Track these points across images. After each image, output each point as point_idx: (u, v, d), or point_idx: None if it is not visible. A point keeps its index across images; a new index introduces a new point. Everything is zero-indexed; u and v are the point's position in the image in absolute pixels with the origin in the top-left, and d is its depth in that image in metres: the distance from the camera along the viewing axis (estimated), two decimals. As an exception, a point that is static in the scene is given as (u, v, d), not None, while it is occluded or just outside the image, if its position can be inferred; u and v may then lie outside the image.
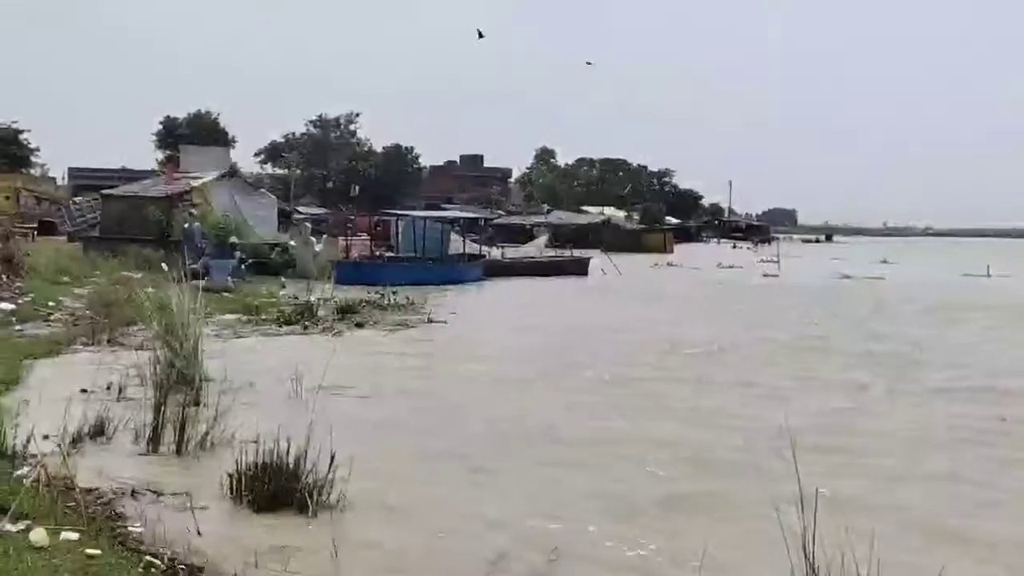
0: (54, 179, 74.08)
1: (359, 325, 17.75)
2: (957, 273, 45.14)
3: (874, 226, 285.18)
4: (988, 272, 44.05)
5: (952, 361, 15.14)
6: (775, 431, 8.43)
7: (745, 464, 8.01)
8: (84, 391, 9.60)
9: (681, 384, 12.33)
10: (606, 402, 10.90)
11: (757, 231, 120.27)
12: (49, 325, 15.12)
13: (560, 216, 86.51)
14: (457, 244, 38.46)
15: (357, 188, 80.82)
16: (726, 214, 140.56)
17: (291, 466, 6.58)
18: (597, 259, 42.14)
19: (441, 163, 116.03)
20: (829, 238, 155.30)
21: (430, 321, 18.73)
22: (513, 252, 44.50)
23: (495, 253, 43.40)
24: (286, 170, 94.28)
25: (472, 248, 40.03)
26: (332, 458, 6.52)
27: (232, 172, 36.72)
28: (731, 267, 47.85)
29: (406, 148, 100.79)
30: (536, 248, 45.00)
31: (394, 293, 21.47)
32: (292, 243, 31.06)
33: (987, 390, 12.33)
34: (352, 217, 50.92)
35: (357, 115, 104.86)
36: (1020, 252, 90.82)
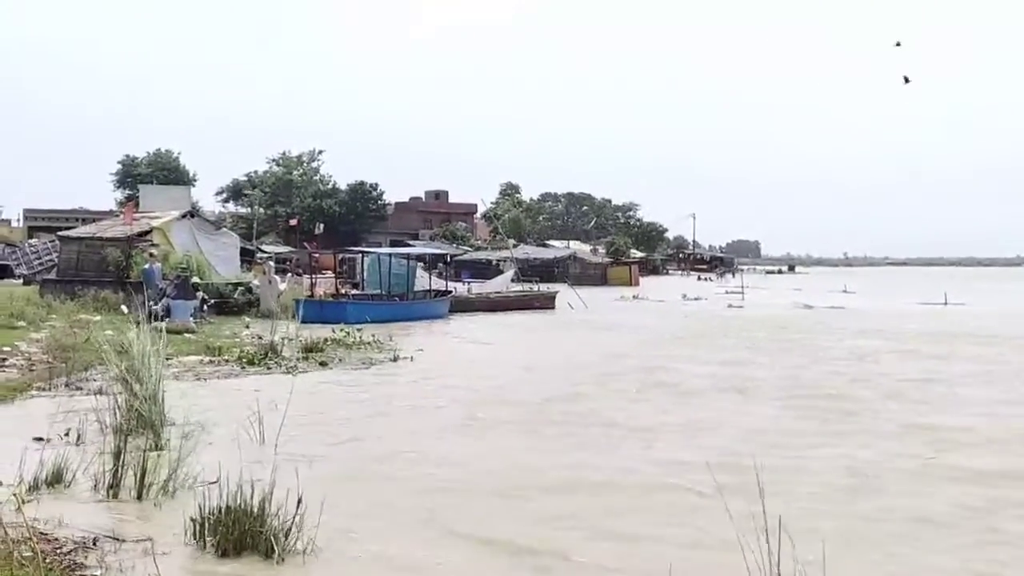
0: (8, 221, 73.19)
1: (323, 364, 17.57)
2: (915, 301, 45.72)
3: (834, 256, 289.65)
4: (945, 300, 44.63)
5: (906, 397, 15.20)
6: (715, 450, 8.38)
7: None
8: (39, 439, 9.36)
9: (666, 424, 12.25)
10: (577, 441, 10.80)
11: (721, 263, 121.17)
12: (4, 371, 14.80)
13: (526, 250, 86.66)
14: (423, 280, 38.37)
15: (321, 226, 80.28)
16: (690, 246, 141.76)
17: (256, 509, 6.45)
18: (564, 293, 42.21)
19: (406, 199, 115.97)
20: (791, 269, 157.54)
21: (396, 359, 18.57)
22: (480, 287, 44.40)
23: (461, 288, 43.31)
24: (249, 208, 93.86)
25: (438, 284, 39.96)
26: (299, 501, 6.40)
27: (193, 211, 36.43)
28: (696, 299, 48.18)
29: (370, 185, 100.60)
30: (503, 283, 44.80)
31: (359, 331, 21.32)
32: (255, 282, 30.80)
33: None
34: (317, 255, 50.69)
35: (320, 152, 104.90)
36: (973, 280, 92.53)
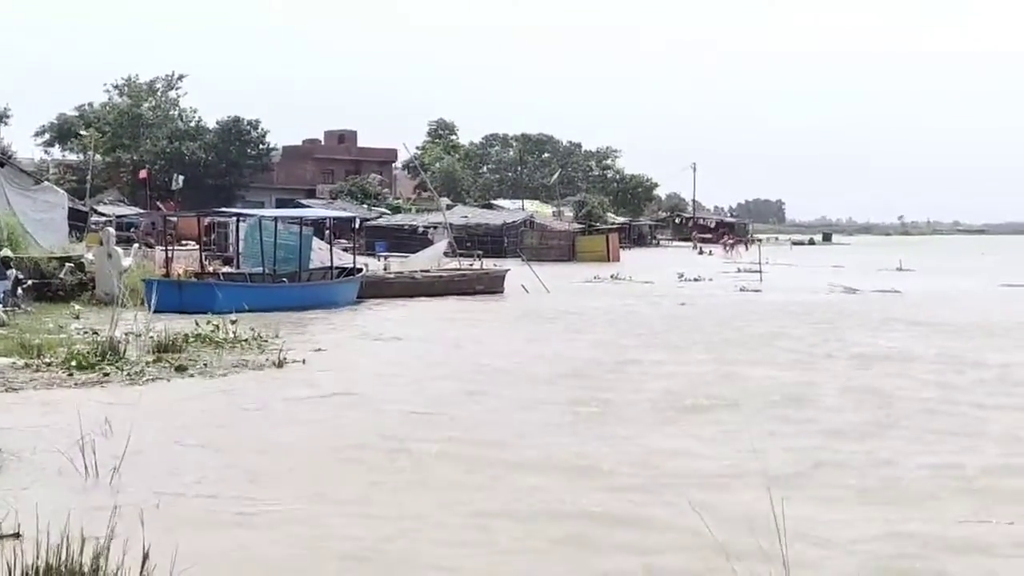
0: None
1: (182, 369, 17.51)
2: (996, 282, 46.52)
3: (886, 221, 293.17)
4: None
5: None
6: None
7: None
8: None
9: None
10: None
11: (731, 230, 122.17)
12: None
13: (465, 213, 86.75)
14: (323, 254, 38.21)
15: (181, 179, 79.69)
16: (689, 208, 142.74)
17: (87, 569, 6.45)
18: (517, 272, 42.27)
19: (299, 143, 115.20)
20: (827, 238, 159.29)
21: (282, 363, 18.54)
22: (401, 263, 44.32)
23: (376, 266, 43.18)
24: (81, 155, 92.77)
25: (344, 259, 39.82)
26: (145, 556, 6.42)
27: (2, 158, 35.99)
28: (697, 280, 48.54)
29: (249, 122, 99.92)
30: (432, 258, 44.69)
31: (234, 323, 21.26)
32: (89, 256, 30.53)
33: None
34: (175, 218, 50.29)
35: (180, 78, 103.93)
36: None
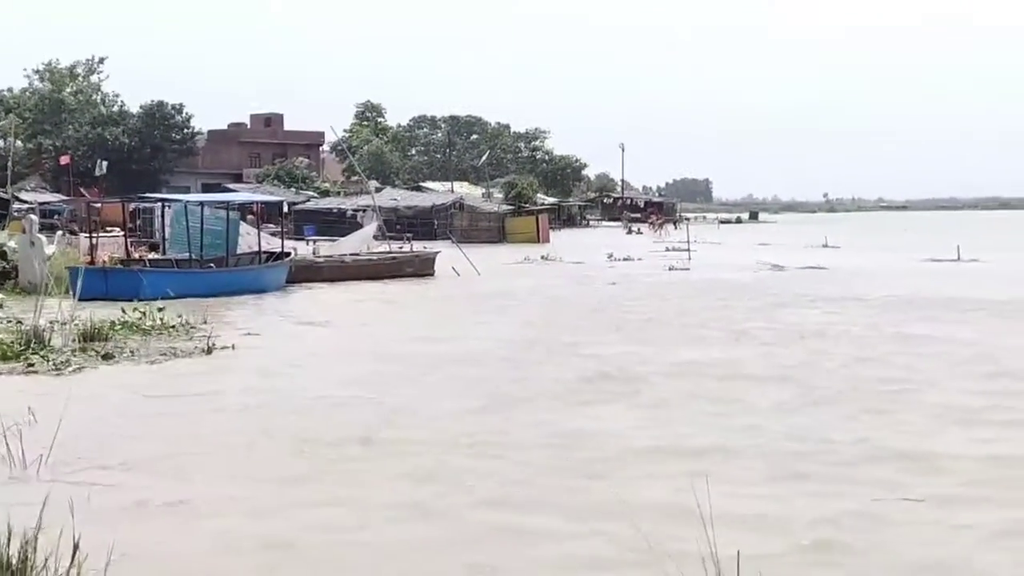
0: None
1: (108, 358, 17.33)
2: (919, 258, 47.19)
3: (811, 199, 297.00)
4: (959, 255, 46.18)
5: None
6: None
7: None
8: None
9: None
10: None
11: (659, 210, 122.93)
12: None
13: (394, 196, 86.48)
14: (250, 239, 37.99)
15: (105, 164, 78.82)
16: (618, 188, 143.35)
17: (16, 561, 6.38)
18: (447, 254, 42.27)
19: (224, 126, 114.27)
20: (754, 217, 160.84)
21: (211, 350, 18.42)
22: (330, 247, 44.14)
23: (305, 250, 43.01)
24: (1, 141, 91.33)
25: (272, 244, 39.61)
26: (75, 547, 6.36)
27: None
28: (627, 259, 48.80)
29: (173, 107, 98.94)
30: (361, 241, 44.54)
31: (161, 310, 21.04)
32: (11, 244, 30.13)
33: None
34: (99, 205, 49.71)
35: (101, 61, 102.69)
36: (991, 227, 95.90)
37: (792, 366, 16.96)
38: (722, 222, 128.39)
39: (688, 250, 52.62)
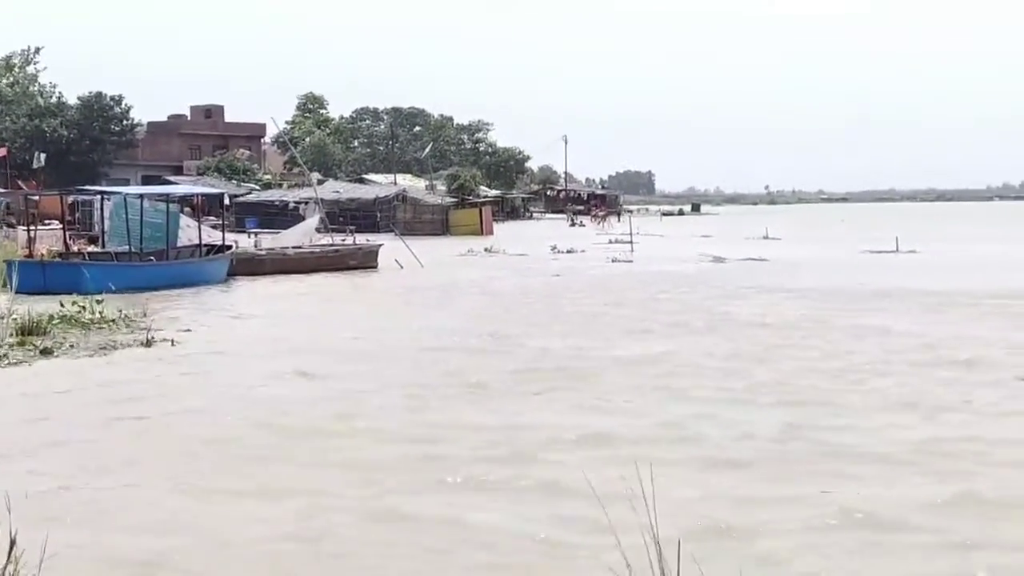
0: None
1: (47, 352, 17.17)
2: (858, 249, 47.70)
3: (753, 191, 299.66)
4: (897, 247, 46.72)
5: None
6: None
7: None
8: None
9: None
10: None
11: (602, 202, 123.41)
12: None
13: (337, 188, 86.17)
14: (191, 231, 37.75)
15: (43, 156, 77.89)
16: (561, 181, 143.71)
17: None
18: (390, 246, 42.21)
19: (164, 118, 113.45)
20: (696, 209, 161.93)
21: (151, 343, 18.30)
22: (272, 240, 43.93)
23: (246, 243, 42.76)
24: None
25: (213, 236, 39.38)
26: (12, 544, 6.29)
27: None
28: (570, 251, 48.94)
29: (112, 98, 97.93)
30: (304, 234, 44.39)
31: (100, 303, 20.90)
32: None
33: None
34: (36, 197, 49.14)
35: (37, 51, 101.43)
36: (928, 219, 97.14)
37: (730, 357, 17.05)
38: (665, 214, 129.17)
39: (631, 242, 52.84)
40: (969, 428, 11.83)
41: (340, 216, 65.96)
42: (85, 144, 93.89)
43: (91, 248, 35.58)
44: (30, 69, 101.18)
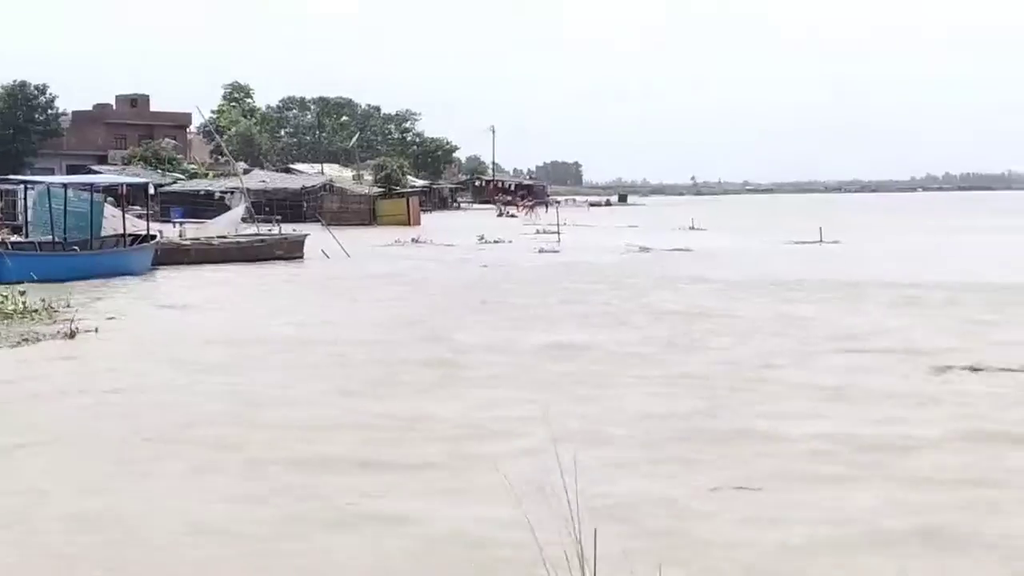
0: None
1: (-33, 343, 17.02)
2: (784, 240, 48.19)
3: (680, 182, 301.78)
4: (821, 237, 47.26)
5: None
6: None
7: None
8: None
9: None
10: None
11: (530, 192, 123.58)
12: None
13: (263, 178, 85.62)
14: (115, 221, 37.41)
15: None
16: (489, 171, 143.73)
17: None
18: (317, 236, 42.08)
19: (89, 107, 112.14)
20: (623, 199, 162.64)
21: (73, 334, 18.14)
22: (197, 229, 43.62)
23: (171, 232, 42.43)
24: None
25: (138, 226, 39.04)
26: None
27: None
28: (497, 242, 48.95)
29: (36, 87, 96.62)
30: (229, 224, 44.11)
31: (22, 293, 20.73)
32: None
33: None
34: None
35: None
36: (852, 210, 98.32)
37: (654, 345, 17.24)
38: (592, 205, 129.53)
39: (558, 233, 53.04)
40: (865, 415, 12.03)
41: (266, 206, 65.58)
42: (8, 133, 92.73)
43: (14, 238, 35.14)
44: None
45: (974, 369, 14.63)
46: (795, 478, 9.42)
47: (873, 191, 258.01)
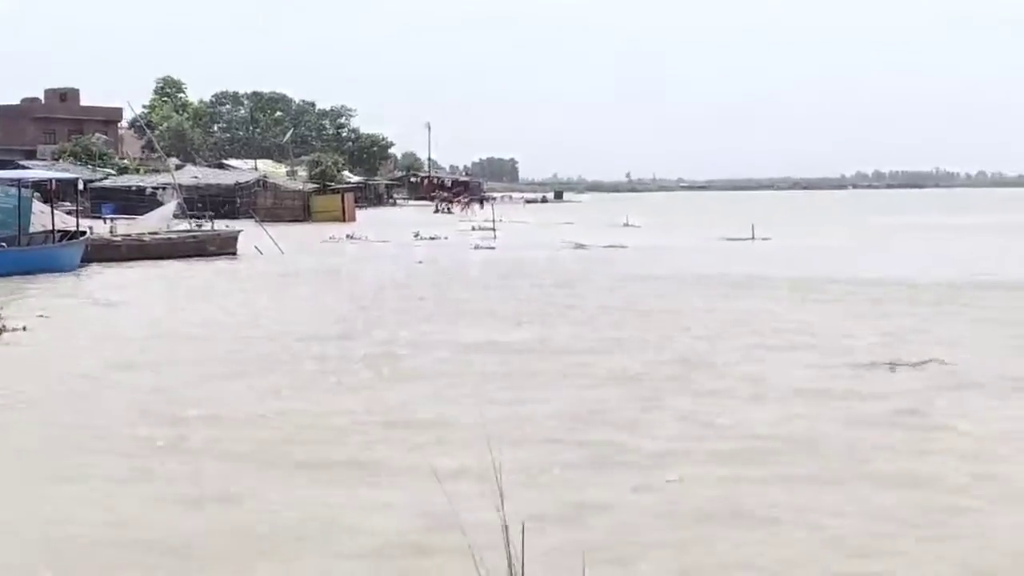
0: None
1: None
2: (716, 236, 48.55)
3: (614, 179, 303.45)
4: (753, 234, 47.67)
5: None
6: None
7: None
8: None
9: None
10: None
11: (466, 189, 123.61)
12: None
13: (196, 173, 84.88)
14: (43, 217, 37.00)
15: None
16: (425, 167, 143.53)
17: None
18: (250, 233, 41.82)
19: (16, 101, 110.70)
20: (559, 196, 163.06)
21: (1, 331, 17.92)
22: (129, 226, 43.21)
23: (102, 228, 41.99)
24: None
25: (67, 222, 38.61)
26: None
27: None
28: (433, 239, 48.91)
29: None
30: (161, 220, 43.80)
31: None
32: None
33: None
34: None
35: None
36: (784, 208, 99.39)
37: (587, 341, 17.33)
38: (528, 201, 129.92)
39: (494, 229, 53.10)
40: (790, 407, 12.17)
41: (199, 202, 64.92)
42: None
43: (-61, 235, 34.61)
44: None
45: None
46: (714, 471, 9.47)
47: (804, 188, 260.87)
